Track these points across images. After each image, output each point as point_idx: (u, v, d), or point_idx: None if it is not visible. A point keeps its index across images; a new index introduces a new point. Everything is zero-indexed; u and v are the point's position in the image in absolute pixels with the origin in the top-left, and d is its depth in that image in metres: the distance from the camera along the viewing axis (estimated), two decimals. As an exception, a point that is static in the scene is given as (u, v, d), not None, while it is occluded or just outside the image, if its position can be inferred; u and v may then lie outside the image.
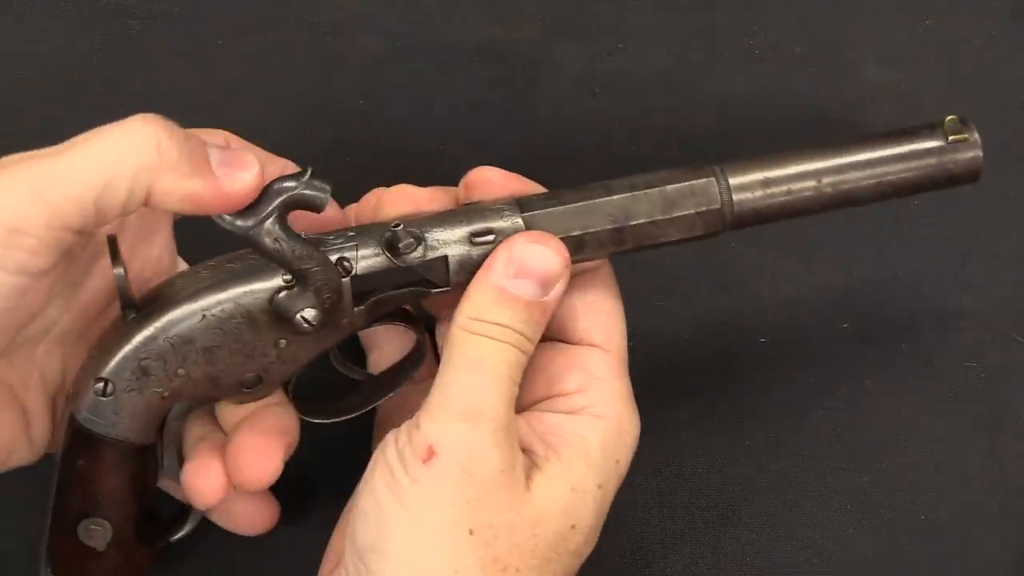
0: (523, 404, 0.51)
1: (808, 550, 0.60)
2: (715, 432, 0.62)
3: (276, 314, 0.48)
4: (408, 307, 0.52)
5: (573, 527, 0.48)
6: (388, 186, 0.52)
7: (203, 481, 0.51)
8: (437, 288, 0.49)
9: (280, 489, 0.55)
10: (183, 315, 0.48)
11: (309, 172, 0.47)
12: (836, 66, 0.67)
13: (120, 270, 0.48)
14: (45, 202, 0.44)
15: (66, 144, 0.45)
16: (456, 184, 0.53)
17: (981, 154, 0.52)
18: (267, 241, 0.46)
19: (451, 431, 0.46)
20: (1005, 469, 0.61)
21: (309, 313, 0.48)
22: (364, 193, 0.52)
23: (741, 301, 0.63)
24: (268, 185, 0.47)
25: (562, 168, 0.65)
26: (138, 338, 0.48)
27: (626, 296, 0.53)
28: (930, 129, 0.53)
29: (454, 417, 0.46)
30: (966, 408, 0.62)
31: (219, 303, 0.48)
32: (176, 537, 0.54)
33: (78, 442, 0.50)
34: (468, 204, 0.51)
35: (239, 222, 0.46)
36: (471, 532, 0.46)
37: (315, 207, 0.47)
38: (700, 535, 0.60)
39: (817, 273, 0.64)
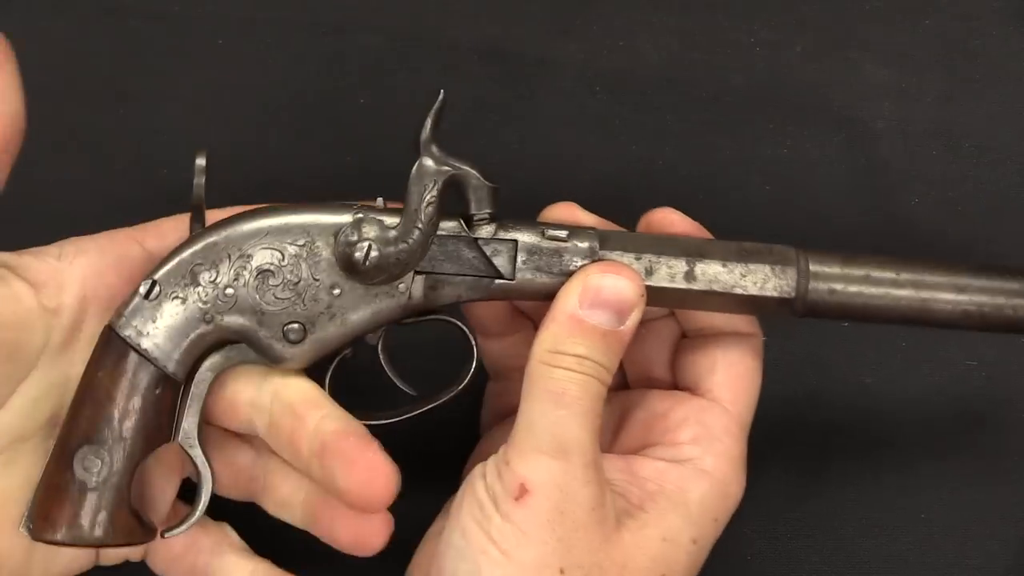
0: (633, 446, 0.51)
1: (808, 549, 0.60)
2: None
3: (338, 251, 0.49)
4: (462, 325, 0.52)
5: None
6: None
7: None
8: (502, 279, 0.49)
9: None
10: (249, 230, 0.49)
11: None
12: (836, 66, 0.67)
13: (202, 180, 0.49)
14: None
15: None
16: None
17: None
18: (429, 169, 0.48)
19: (543, 468, 0.46)
20: (1005, 469, 0.61)
21: (372, 247, 0.48)
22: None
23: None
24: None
25: (562, 168, 0.66)
26: (199, 244, 0.49)
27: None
28: None
29: (544, 453, 0.46)
30: (966, 408, 0.62)
31: (286, 225, 0.49)
32: (173, 533, 0.50)
33: (106, 349, 0.49)
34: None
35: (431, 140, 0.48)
36: (561, 571, 0.45)
37: (464, 195, 0.49)
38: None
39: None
